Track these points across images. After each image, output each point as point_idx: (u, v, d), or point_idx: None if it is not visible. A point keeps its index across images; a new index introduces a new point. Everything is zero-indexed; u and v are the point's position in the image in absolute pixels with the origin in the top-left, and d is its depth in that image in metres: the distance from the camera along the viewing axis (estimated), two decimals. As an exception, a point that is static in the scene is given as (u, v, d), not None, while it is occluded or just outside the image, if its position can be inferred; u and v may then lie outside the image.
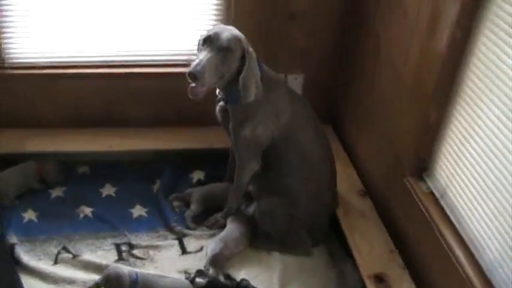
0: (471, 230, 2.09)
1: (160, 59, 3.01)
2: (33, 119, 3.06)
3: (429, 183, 2.37)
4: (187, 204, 2.87)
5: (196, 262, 2.57)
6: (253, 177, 2.64)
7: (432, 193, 2.34)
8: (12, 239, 2.59)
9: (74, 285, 2.42)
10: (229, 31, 2.34)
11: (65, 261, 2.54)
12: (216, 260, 2.50)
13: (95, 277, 2.41)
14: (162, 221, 2.79)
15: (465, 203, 2.13)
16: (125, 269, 2.37)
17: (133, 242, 2.65)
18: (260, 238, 2.68)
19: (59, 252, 2.57)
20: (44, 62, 2.91)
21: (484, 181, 2.01)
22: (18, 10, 2.77)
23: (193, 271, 2.47)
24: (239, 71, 2.34)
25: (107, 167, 3.08)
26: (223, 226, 2.70)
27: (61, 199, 2.89)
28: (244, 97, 2.36)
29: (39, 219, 2.75)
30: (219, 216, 2.78)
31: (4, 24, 2.79)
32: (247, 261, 2.59)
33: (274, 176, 2.60)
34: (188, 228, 2.75)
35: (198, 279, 2.38)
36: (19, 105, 3.01)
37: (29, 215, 2.75)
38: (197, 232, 2.74)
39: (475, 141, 2.06)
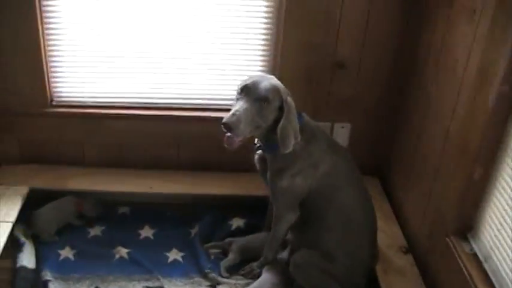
0: (514, 298, 1.97)
1: (205, 103, 3.02)
2: (77, 157, 3.10)
3: (473, 244, 2.26)
4: (224, 253, 2.82)
5: (228, 311, 2.52)
6: (291, 228, 2.58)
7: (475, 255, 2.22)
8: (47, 275, 2.58)
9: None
10: (268, 80, 2.31)
11: (96, 302, 2.52)
12: (247, 311, 2.44)
13: (125, 320, 2.39)
14: (196, 267, 2.74)
15: (510, 269, 2.01)
16: None
17: (166, 287, 2.61)
18: (295, 290, 2.60)
19: (90, 293, 2.56)
20: (91, 102, 2.96)
21: (530, 246, 1.90)
22: (67, 50, 2.84)
23: (224, 321, 2.43)
24: (277, 121, 2.30)
25: (146, 209, 3.08)
26: (259, 275, 2.64)
27: (99, 238, 2.89)
28: (282, 148, 2.31)
29: (76, 257, 2.75)
30: (254, 265, 2.72)
31: (53, 64, 2.86)
32: (280, 314, 2.52)
33: (312, 229, 2.53)
34: (221, 276, 2.69)
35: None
36: (64, 143, 3.06)
37: (66, 253, 2.76)
38: (231, 280, 2.68)
39: (522, 203, 1.96)
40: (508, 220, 2.03)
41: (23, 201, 2.86)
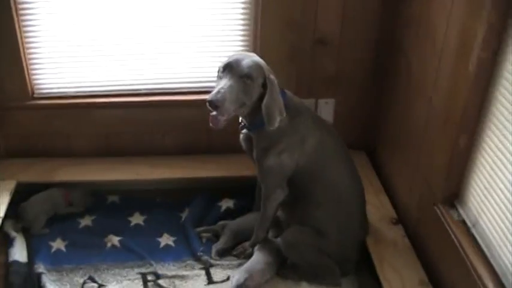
0: (503, 261, 1.98)
1: (189, 87, 3.01)
2: (64, 149, 3.08)
3: (460, 211, 2.28)
4: (216, 236, 2.83)
5: (222, 293, 2.53)
6: (281, 206, 2.59)
7: (463, 221, 2.24)
8: (40, 268, 2.58)
9: (99, 316, 2.40)
10: (250, 58, 2.31)
11: (90, 291, 2.53)
12: (241, 291, 2.45)
13: (120, 307, 2.40)
14: (189, 250, 2.75)
15: (498, 234, 2.03)
16: None
17: (160, 272, 2.62)
18: (288, 267, 2.61)
19: (84, 282, 2.55)
20: (73, 92, 2.94)
21: (517, 209, 1.92)
22: (46, 41, 2.81)
23: (218, 302, 2.44)
24: (261, 99, 2.30)
25: (136, 196, 3.08)
26: (251, 255, 2.65)
27: (90, 228, 2.88)
28: (268, 125, 2.31)
29: (67, 248, 2.74)
30: (246, 245, 2.73)
31: (32, 56, 2.83)
32: (274, 292, 2.53)
33: (302, 206, 2.54)
34: (212, 258, 2.71)
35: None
36: (49, 135, 3.04)
37: (58, 244, 2.75)
38: (224, 262, 2.69)
39: (507, 168, 1.97)
40: (494, 185, 2.05)
41: (11, 195, 2.84)
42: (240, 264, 2.64)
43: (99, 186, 3.06)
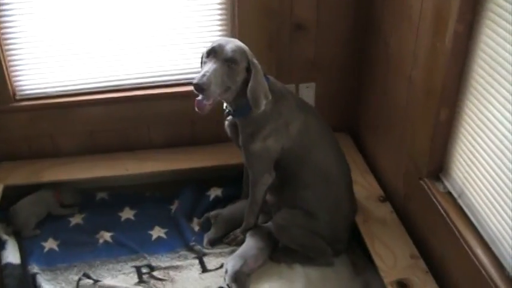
0: (491, 229, 2.03)
1: (170, 79, 3.01)
2: (49, 149, 3.07)
3: (446, 183, 2.32)
4: (208, 226, 2.85)
5: (217, 280, 2.55)
6: (270, 190, 2.62)
7: (450, 193, 2.29)
8: (34, 268, 2.59)
9: (96, 311, 2.42)
10: (233, 42, 2.33)
11: (86, 288, 2.54)
12: (236, 277, 2.47)
13: (116, 301, 2.42)
14: (181, 241, 2.78)
15: (483, 202, 2.08)
16: None
17: (154, 264, 2.64)
18: (280, 251, 2.64)
19: (80, 279, 2.56)
20: (55, 92, 2.92)
21: (500, 178, 1.96)
22: (25, 42, 2.79)
23: (214, 289, 2.47)
24: (245, 83, 2.32)
25: (125, 191, 3.09)
26: (243, 242, 2.68)
27: (81, 226, 2.89)
28: (254, 108, 2.33)
29: (60, 247, 2.75)
30: (237, 232, 2.76)
31: (12, 58, 2.81)
32: (268, 276, 2.56)
33: (290, 189, 2.57)
34: (204, 247, 2.74)
35: (219, 297, 2.37)
36: (34, 137, 3.03)
37: (50, 244, 2.76)
38: (217, 250, 2.73)
39: (488, 137, 2.01)
40: (477, 155, 2.09)
41: (-1, 199, 2.85)
42: (232, 252, 2.67)
43: (88, 184, 3.06)
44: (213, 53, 2.28)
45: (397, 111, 2.65)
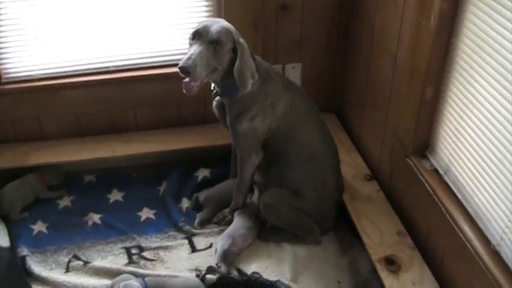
0: (476, 204, 2.07)
1: (156, 61, 3.00)
2: (36, 132, 3.07)
3: (432, 160, 2.35)
4: (197, 208, 2.87)
5: (206, 259, 2.57)
6: (257, 170, 2.64)
7: (436, 170, 2.32)
8: (23, 251, 2.60)
9: (87, 292, 2.44)
10: (218, 23, 2.33)
11: (76, 269, 2.54)
12: (226, 256, 2.50)
13: (107, 282, 2.43)
14: (170, 221, 2.80)
15: (469, 178, 2.11)
16: (132, 278, 2.36)
17: (143, 245, 2.66)
18: (268, 230, 2.67)
19: (69, 261, 2.58)
20: (40, 74, 2.90)
21: (485, 154, 1.99)
22: (9, 25, 2.76)
23: (204, 268, 2.48)
24: (232, 64, 2.32)
25: (112, 174, 3.10)
26: (231, 221, 2.70)
27: (69, 209, 2.89)
28: (241, 88, 2.34)
29: (49, 230, 2.76)
30: (226, 211, 2.78)
31: (-3, 41, 2.80)
32: (257, 255, 2.59)
33: (277, 168, 2.60)
34: (196, 227, 2.77)
35: (208, 276, 2.39)
36: (20, 120, 3.02)
37: (39, 227, 2.76)
38: (206, 230, 2.75)
39: (474, 114, 2.04)
40: (463, 131, 2.12)
41: (-16, 183, 2.84)
42: (221, 231, 2.69)
43: (75, 167, 3.06)
44: (198, 35, 2.29)
45: (383, 90, 2.67)
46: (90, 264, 2.54)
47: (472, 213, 2.08)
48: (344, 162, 2.82)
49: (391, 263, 2.35)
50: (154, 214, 2.85)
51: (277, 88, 2.48)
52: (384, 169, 2.75)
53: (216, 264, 2.48)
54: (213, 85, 2.50)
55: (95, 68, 2.96)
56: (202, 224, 2.78)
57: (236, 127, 2.46)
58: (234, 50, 2.32)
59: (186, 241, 2.69)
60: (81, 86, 2.95)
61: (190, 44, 2.31)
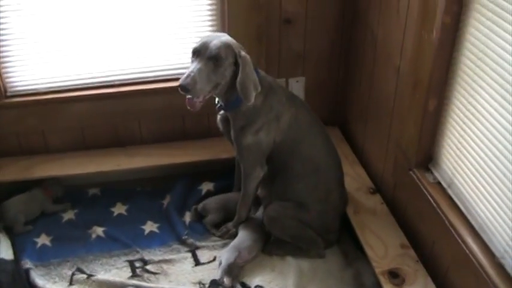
0: (480, 217, 2.07)
1: (160, 75, 3.01)
2: (40, 145, 3.07)
3: (435, 173, 2.35)
4: (201, 217, 2.87)
5: (210, 273, 2.57)
6: (261, 183, 2.64)
7: (439, 183, 2.32)
8: (27, 264, 2.60)
9: (90, 305, 2.43)
10: (219, 38, 2.33)
11: (80, 282, 2.54)
12: (230, 269, 2.50)
13: (110, 295, 2.43)
14: (173, 235, 2.80)
15: (473, 191, 2.11)
16: None
17: (147, 258, 2.66)
18: (272, 243, 2.67)
19: (73, 274, 2.58)
20: (45, 88, 2.92)
21: (489, 167, 1.99)
22: (14, 39, 2.79)
23: (207, 282, 2.48)
24: (234, 77, 2.33)
25: (117, 187, 3.10)
26: (235, 235, 2.70)
27: (73, 222, 2.90)
28: (244, 100, 2.35)
29: (53, 243, 2.76)
30: (230, 225, 2.78)
31: (2, 55, 2.81)
32: (261, 268, 2.59)
33: (282, 181, 2.60)
34: (210, 232, 2.79)
35: (211, 290, 2.39)
36: (25, 133, 3.03)
37: (42, 240, 2.76)
38: (209, 243, 2.75)
39: (476, 127, 2.04)
40: (466, 145, 2.12)
41: (-11, 196, 2.85)
42: (225, 245, 2.69)
43: (79, 180, 3.07)
44: (197, 52, 2.31)
45: (386, 102, 2.68)
46: (94, 278, 2.54)
47: (476, 226, 2.08)
48: (347, 175, 2.82)
49: (395, 276, 2.34)
50: (158, 227, 2.85)
51: (281, 101, 2.49)
52: (388, 182, 2.75)
53: (220, 279, 2.48)
54: (217, 99, 2.51)
55: (100, 82, 2.98)
56: (215, 227, 2.81)
57: (241, 140, 2.47)
58: (236, 64, 2.33)
59: (190, 254, 2.69)
60: (86, 100, 2.97)
61: (192, 61, 2.32)
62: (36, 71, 2.90)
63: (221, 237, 2.77)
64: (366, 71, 2.90)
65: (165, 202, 2.99)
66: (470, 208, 2.13)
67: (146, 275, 2.58)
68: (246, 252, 2.57)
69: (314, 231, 2.59)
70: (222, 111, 2.54)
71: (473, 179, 2.09)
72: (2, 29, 2.76)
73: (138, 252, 2.69)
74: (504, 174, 1.90)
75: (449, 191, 2.25)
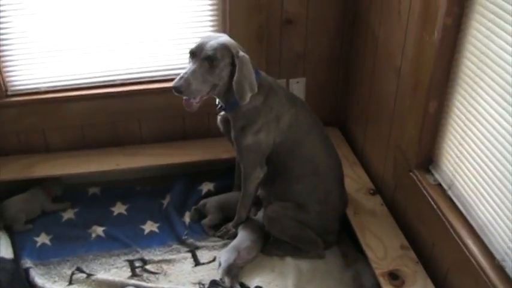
0: (480, 219, 2.07)
1: (161, 75, 3.01)
2: (40, 144, 3.07)
3: (436, 175, 2.35)
4: (201, 216, 2.87)
5: (209, 273, 2.57)
6: (261, 184, 2.64)
7: (440, 185, 2.31)
8: (27, 263, 2.60)
9: (89, 305, 2.43)
10: (216, 39, 2.33)
11: (79, 282, 2.54)
12: (230, 270, 2.50)
13: (110, 295, 2.43)
14: (173, 235, 2.80)
15: (473, 192, 2.11)
16: None
17: (146, 258, 2.66)
18: (272, 244, 2.67)
19: (73, 273, 2.58)
20: (46, 87, 2.92)
21: (489, 169, 1.99)
22: (16, 38, 2.79)
23: (207, 282, 2.48)
24: (233, 78, 2.33)
25: (116, 186, 3.10)
26: (235, 235, 2.70)
27: (73, 221, 2.90)
28: (239, 100, 2.34)
29: (52, 242, 2.76)
30: (229, 226, 2.78)
31: (3, 54, 2.80)
32: (260, 269, 2.58)
33: (281, 182, 2.60)
34: (208, 234, 2.78)
35: (211, 290, 2.39)
36: (25, 132, 3.03)
37: (42, 239, 2.76)
38: (209, 243, 2.75)
39: (477, 129, 2.04)
40: (466, 146, 2.12)
41: (-11, 195, 2.85)
42: (224, 245, 2.69)
43: (79, 179, 3.07)
44: (193, 52, 2.31)
45: (386, 103, 2.68)
46: (93, 277, 2.54)
47: (476, 228, 2.08)
48: (347, 176, 2.82)
49: (394, 277, 2.34)
50: (158, 227, 2.85)
51: (282, 102, 2.49)
52: (388, 183, 2.74)
53: (220, 279, 2.48)
54: (217, 100, 2.50)
55: (100, 82, 2.98)
56: (212, 228, 2.80)
57: (241, 141, 2.47)
58: (234, 64, 2.32)
59: (190, 254, 2.69)
60: (87, 99, 2.97)
61: (188, 62, 2.33)
62: (37, 70, 2.90)
63: (221, 237, 2.77)
64: (367, 72, 2.90)
65: (165, 202, 2.99)
66: (470, 210, 2.13)
67: (146, 274, 2.58)
68: (246, 252, 2.57)
69: (314, 232, 2.59)
70: (222, 112, 2.54)
71: (474, 180, 2.09)
72: (3, 28, 2.75)
73: (137, 252, 2.69)
74: (505, 176, 1.90)
75: (450, 193, 2.25)
